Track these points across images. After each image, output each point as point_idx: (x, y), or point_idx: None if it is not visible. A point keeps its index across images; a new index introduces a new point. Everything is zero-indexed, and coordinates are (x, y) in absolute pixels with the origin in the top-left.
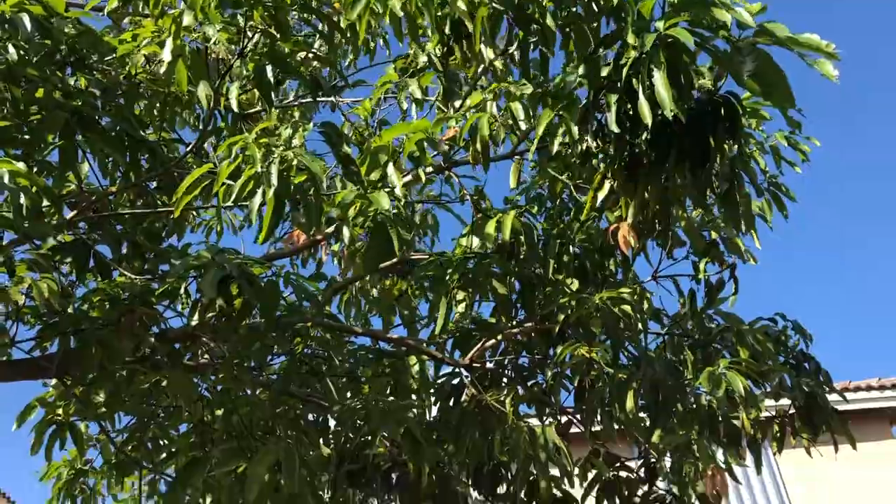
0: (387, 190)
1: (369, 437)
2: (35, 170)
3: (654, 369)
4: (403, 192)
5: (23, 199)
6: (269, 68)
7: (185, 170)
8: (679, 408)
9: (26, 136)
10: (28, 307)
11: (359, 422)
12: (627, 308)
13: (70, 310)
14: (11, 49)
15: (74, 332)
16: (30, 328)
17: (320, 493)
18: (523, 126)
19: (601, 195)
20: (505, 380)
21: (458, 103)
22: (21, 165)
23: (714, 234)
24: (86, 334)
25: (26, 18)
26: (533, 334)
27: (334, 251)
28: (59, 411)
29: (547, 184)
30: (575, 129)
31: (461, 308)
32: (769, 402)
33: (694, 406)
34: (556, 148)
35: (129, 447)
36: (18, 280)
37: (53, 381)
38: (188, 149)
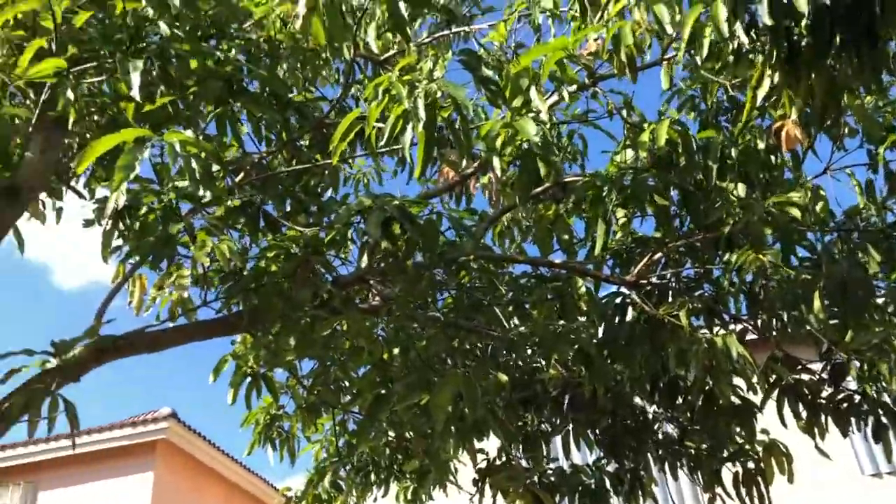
0: (531, 115)
1: (541, 362)
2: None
3: (839, 266)
4: (549, 115)
5: (195, 165)
6: (401, 4)
7: (332, 125)
8: (870, 304)
9: (186, 112)
10: (211, 271)
11: (530, 347)
12: (797, 212)
13: (248, 267)
14: (163, 25)
15: (256, 287)
16: (214, 289)
17: (501, 418)
18: (669, 29)
19: (761, 93)
20: (671, 293)
21: (592, 13)
22: (189, 134)
23: (889, 118)
24: (267, 288)
25: None
26: (698, 244)
27: (483, 184)
28: (250, 362)
29: (699, 87)
30: (724, 26)
31: (621, 226)
32: None
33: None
34: (705, 50)
35: (316, 391)
36: (201, 245)
37: (239, 336)
38: (333, 103)
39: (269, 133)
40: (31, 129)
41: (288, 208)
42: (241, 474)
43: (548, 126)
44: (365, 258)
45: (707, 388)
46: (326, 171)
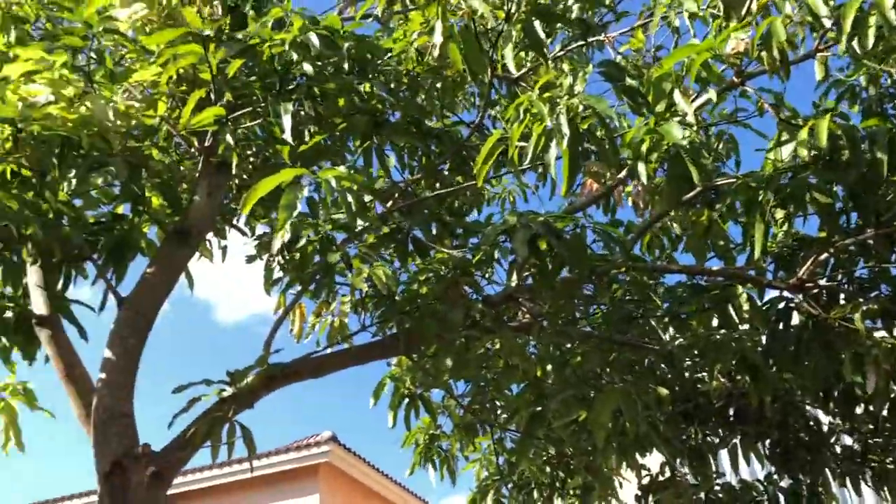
0: (677, 119)
1: (702, 374)
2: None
3: None
4: (696, 117)
5: (349, 198)
6: (536, 23)
7: (471, 147)
8: None
9: (335, 147)
10: (367, 296)
11: (690, 359)
12: None
13: (399, 292)
14: (308, 66)
15: (410, 310)
16: (369, 314)
17: (663, 432)
18: (826, 22)
19: None
20: (842, 295)
21: (736, 12)
22: (342, 169)
23: None
24: (421, 311)
25: (314, 37)
26: (871, 242)
27: (628, 192)
28: (407, 383)
29: (861, 76)
30: (892, 14)
31: (781, 227)
32: None
33: None
34: (871, 39)
35: (473, 410)
36: (359, 272)
37: (395, 359)
38: (472, 127)
39: (412, 161)
40: (196, 174)
41: (434, 232)
42: (400, 495)
43: (695, 128)
44: (514, 276)
45: (892, 395)
46: (469, 193)
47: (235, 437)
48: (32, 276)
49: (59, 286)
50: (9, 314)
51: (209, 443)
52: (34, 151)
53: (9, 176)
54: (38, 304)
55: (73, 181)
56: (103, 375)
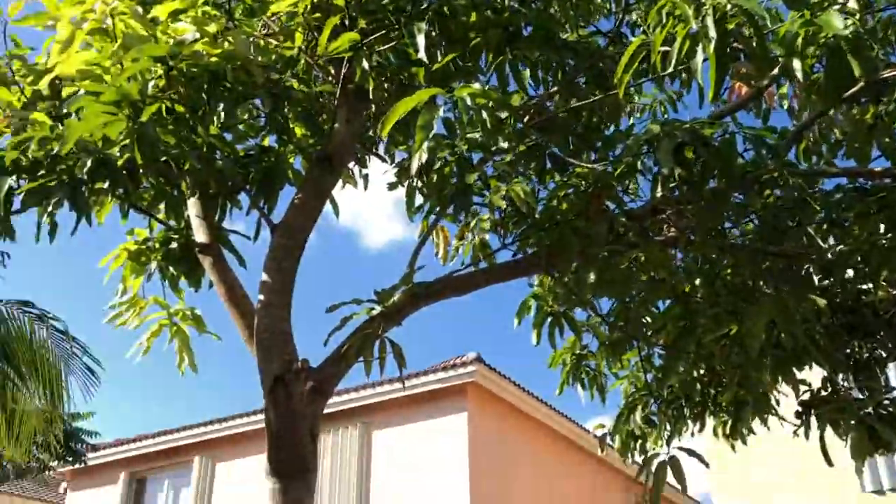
0: (836, 7)
1: (867, 285)
2: None
3: None
4: (859, 3)
5: (484, 115)
6: None
7: (609, 58)
8: None
9: (468, 65)
10: (507, 214)
11: (852, 267)
12: None
13: (538, 209)
14: None
15: (550, 227)
16: (510, 233)
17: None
18: None
19: None
20: None
21: None
22: (477, 86)
23: None
24: (562, 227)
25: None
26: None
27: (782, 94)
28: (550, 301)
29: None
30: None
31: None
32: None
33: None
34: None
35: (619, 325)
36: (496, 190)
37: (536, 278)
38: (610, 36)
39: (547, 75)
40: (335, 103)
41: (572, 147)
42: (549, 414)
43: (857, 16)
44: (658, 188)
45: None
46: (607, 107)
47: (386, 353)
48: (192, 208)
49: (216, 217)
50: (174, 245)
51: (362, 359)
52: (185, 88)
53: (164, 113)
54: (199, 233)
55: (222, 115)
56: (262, 297)
